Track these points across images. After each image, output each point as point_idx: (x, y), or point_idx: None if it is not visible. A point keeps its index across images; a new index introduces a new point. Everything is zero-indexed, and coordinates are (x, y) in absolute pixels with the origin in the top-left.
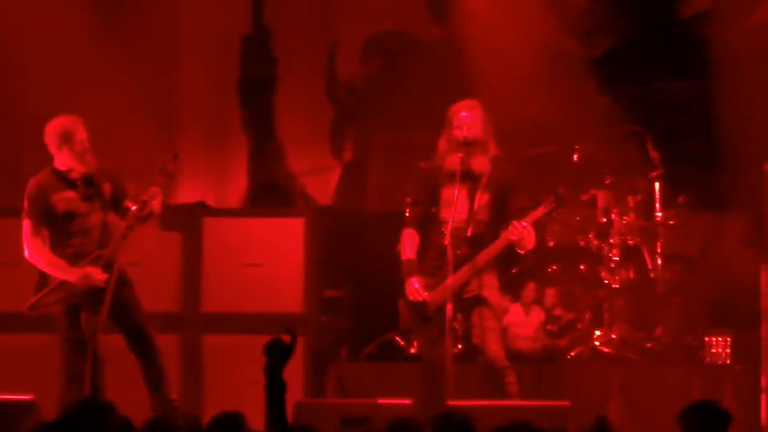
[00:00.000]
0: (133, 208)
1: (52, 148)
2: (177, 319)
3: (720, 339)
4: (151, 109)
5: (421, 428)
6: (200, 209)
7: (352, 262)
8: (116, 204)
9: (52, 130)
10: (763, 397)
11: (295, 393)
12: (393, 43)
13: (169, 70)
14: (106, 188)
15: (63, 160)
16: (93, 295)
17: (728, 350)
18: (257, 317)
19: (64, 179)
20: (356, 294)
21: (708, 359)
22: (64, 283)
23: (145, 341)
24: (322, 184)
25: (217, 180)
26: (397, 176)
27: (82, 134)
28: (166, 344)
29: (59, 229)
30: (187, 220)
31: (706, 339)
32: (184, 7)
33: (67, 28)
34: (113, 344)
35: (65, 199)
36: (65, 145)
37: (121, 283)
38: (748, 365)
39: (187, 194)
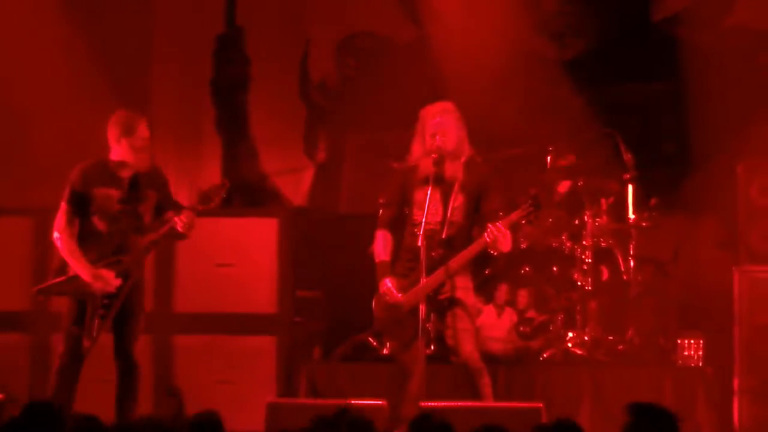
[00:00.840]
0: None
1: (112, 139)
2: (149, 319)
3: (692, 341)
4: (125, 108)
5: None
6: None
7: (325, 262)
8: (159, 212)
9: (115, 120)
10: (736, 399)
11: (267, 393)
12: (366, 44)
13: (142, 70)
14: (151, 195)
15: (118, 152)
16: (101, 297)
17: (701, 352)
18: (230, 317)
19: (110, 175)
20: (329, 294)
21: (680, 361)
22: (77, 277)
23: (128, 362)
24: (295, 184)
25: (190, 180)
26: (371, 177)
27: (144, 132)
28: (139, 344)
29: (86, 223)
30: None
31: (679, 341)
32: (157, 7)
33: (38, 29)
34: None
35: (104, 195)
36: (125, 137)
37: (132, 299)
38: (719, 368)
39: None
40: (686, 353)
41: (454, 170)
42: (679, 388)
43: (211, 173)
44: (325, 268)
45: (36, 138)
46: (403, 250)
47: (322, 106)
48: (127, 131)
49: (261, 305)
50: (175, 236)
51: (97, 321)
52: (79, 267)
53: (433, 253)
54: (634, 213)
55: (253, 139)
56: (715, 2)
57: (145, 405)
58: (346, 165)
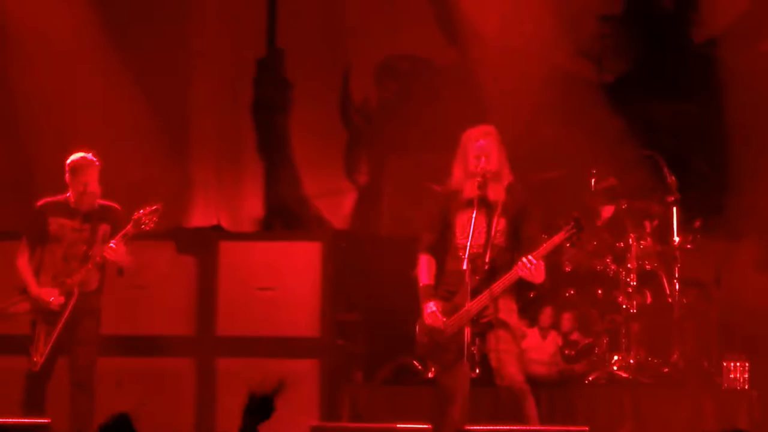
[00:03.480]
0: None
1: (66, 178)
2: (192, 342)
3: (738, 364)
4: (165, 131)
5: None
6: (216, 232)
7: (367, 285)
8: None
9: (68, 162)
10: None
11: (310, 417)
12: (406, 67)
13: (182, 92)
14: (104, 228)
15: (71, 191)
16: (49, 316)
17: (746, 375)
18: (272, 341)
19: (66, 207)
20: (370, 317)
21: (726, 384)
22: (27, 297)
23: (78, 387)
24: (336, 206)
25: (231, 203)
26: (412, 199)
27: (84, 176)
28: (181, 367)
29: (47, 250)
30: (202, 244)
31: (724, 364)
32: (198, 30)
33: (80, 52)
34: (126, 367)
35: (59, 224)
36: (71, 181)
37: (83, 325)
38: (763, 390)
39: (200, 217)
40: (732, 376)
41: (497, 193)
42: (723, 411)
43: (252, 196)
44: (367, 291)
45: None
46: (444, 274)
47: (363, 128)
48: (72, 175)
49: (303, 329)
50: (119, 269)
51: (42, 338)
52: (29, 286)
53: (476, 276)
54: (678, 235)
55: (293, 161)
56: (755, 25)
57: (186, 428)
58: (387, 188)
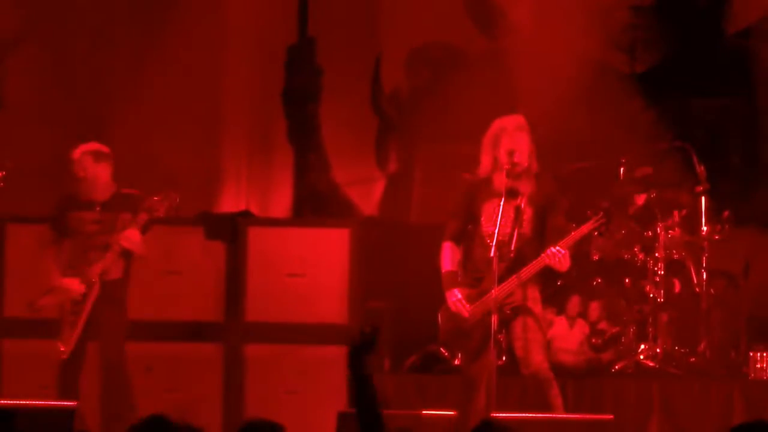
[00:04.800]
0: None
1: None
2: (220, 328)
3: (765, 354)
4: (196, 119)
5: None
6: (246, 218)
7: (395, 272)
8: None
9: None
10: None
11: (338, 403)
12: (438, 55)
13: (214, 80)
14: (124, 216)
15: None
16: (74, 305)
17: None
18: (300, 327)
19: (83, 200)
20: (399, 305)
21: (752, 374)
22: (54, 290)
23: (106, 371)
24: (366, 194)
25: (261, 190)
26: (442, 188)
27: (77, 169)
28: (210, 353)
29: (69, 243)
30: (232, 229)
31: (752, 354)
32: (230, 17)
33: (111, 41)
34: (155, 352)
35: (77, 218)
36: (74, 172)
37: (105, 311)
38: None
39: (230, 203)
40: (759, 366)
41: (525, 184)
42: (750, 401)
43: (283, 183)
44: (395, 279)
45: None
46: (471, 261)
47: (394, 117)
48: (73, 168)
49: (331, 315)
50: (130, 254)
51: (67, 327)
52: (52, 278)
53: (502, 264)
54: (706, 225)
55: (324, 149)
56: None
57: (214, 414)
58: (417, 176)
